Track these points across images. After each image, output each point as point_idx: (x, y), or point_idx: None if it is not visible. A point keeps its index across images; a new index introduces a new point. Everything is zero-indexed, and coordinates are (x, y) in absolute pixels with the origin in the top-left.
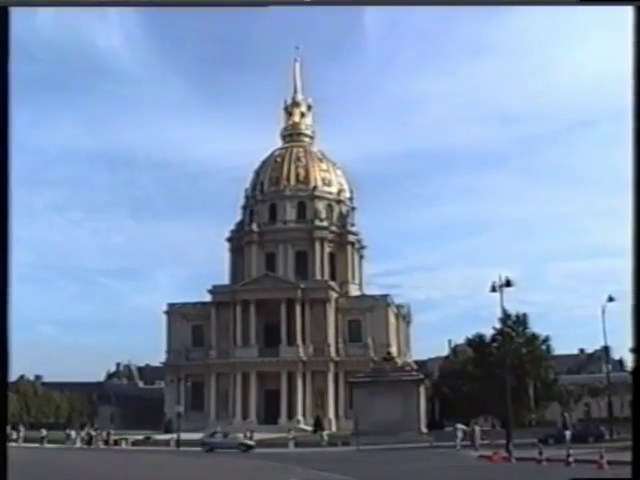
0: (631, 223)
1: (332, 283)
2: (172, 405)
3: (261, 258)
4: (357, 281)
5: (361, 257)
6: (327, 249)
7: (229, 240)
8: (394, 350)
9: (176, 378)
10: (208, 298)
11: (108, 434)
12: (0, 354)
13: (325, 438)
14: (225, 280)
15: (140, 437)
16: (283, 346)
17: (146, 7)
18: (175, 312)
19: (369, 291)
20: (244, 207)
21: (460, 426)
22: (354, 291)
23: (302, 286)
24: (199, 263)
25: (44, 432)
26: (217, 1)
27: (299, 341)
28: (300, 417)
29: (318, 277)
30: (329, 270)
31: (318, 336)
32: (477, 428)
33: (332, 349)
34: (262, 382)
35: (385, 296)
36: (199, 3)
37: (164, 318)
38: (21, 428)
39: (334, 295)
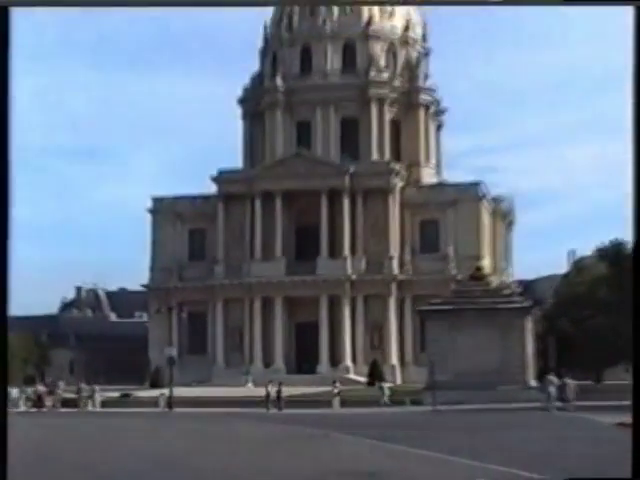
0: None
1: (396, 166)
2: (160, 347)
3: (290, 129)
4: (433, 162)
5: (439, 126)
6: (388, 115)
7: (242, 102)
8: (487, 264)
9: (165, 307)
10: (212, 190)
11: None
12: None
13: (386, 393)
14: (237, 163)
15: (115, 394)
16: (322, 259)
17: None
18: (164, 211)
19: (452, 177)
20: (263, 53)
21: (553, 379)
22: (429, 177)
23: (351, 170)
24: (199, 137)
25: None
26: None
27: (346, 252)
28: (349, 363)
29: (375, 157)
30: (391, 146)
31: (375, 244)
32: (571, 382)
33: (395, 263)
34: (292, 312)
35: (475, 185)
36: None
37: (148, 219)
38: None
39: (399, 184)
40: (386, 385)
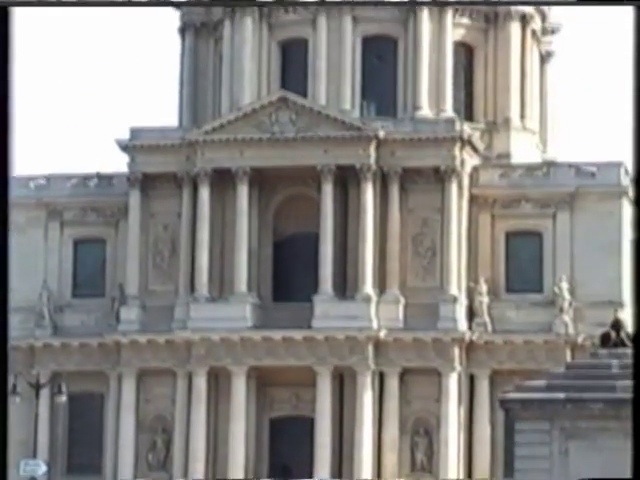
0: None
1: (464, 127)
2: (14, 458)
3: (268, 53)
4: (534, 123)
5: (545, 56)
6: (452, 32)
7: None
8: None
9: (26, 384)
10: (119, 166)
11: None
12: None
13: None
14: (167, 116)
15: None
16: (323, 299)
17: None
18: (29, 203)
19: (568, 152)
20: None
21: None
22: (525, 151)
23: (380, 134)
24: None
25: None
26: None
27: (368, 287)
28: None
29: (424, 109)
30: (455, 90)
31: (422, 274)
32: None
33: (459, 310)
34: (265, 398)
35: (614, 166)
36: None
37: None
38: None
39: (469, 161)
40: None
